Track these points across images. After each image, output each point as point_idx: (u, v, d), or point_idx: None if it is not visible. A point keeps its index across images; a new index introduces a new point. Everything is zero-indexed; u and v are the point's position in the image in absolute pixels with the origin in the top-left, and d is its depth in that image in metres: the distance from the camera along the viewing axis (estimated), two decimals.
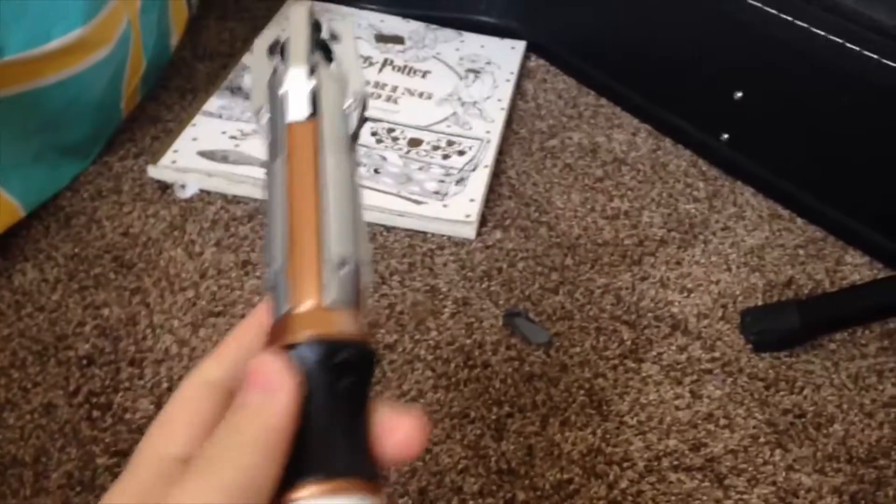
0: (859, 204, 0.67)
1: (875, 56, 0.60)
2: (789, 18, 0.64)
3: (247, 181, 0.66)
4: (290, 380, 0.24)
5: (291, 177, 0.27)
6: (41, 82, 0.59)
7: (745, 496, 0.51)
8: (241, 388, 0.25)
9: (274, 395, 0.24)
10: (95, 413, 0.51)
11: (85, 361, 0.54)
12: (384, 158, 0.70)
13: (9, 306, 0.57)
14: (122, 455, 0.49)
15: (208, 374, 0.27)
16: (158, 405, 0.52)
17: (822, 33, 0.63)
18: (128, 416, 0.51)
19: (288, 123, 0.28)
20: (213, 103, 0.73)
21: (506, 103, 0.78)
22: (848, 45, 0.61)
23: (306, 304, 0.25)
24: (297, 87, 0.29)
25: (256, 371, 0.24)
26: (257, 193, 0.66)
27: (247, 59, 0.28)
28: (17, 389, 0.52)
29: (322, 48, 0.31)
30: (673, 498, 0.50)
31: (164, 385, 0.53)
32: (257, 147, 0.69)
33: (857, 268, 0.66)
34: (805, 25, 0.63)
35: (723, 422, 0.55)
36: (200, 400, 0.27)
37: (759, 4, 0.65)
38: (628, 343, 0.59)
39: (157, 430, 0.26)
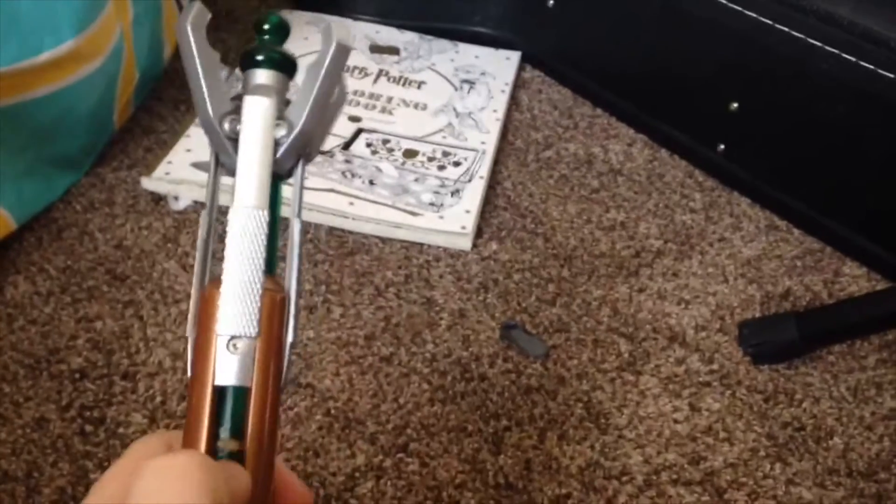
0: (857, 215, 0.66)
1: (871, 66, 0.60)
2: (785, 29, 0.64)
3: None
4: None
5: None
6: (33, 94, 0.58)
7: None
8: None
9: None
10: (88, 427, 0.51)
11: (77, 375, 0.53)
12: (380, 170, 0.69)
13: (1, 319, 0.56)
14: None
15: (176, 444, 0.26)
16: (152, 419, 0.51)
17: (819, 44, 0.63)
18: (121, 430, 0.51)
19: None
20: None
21: (501, 114, 0.78)
22: (844, 55, 0.61)
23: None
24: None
25: None
26: None
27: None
28: (8, 404, 0.51)
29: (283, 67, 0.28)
30: None
31: (158, 399, 0.53)
32: None
33: (855, 279, 0.65)
34: (801, 36, 0.63)
35: (722, 435, 0.54)
36: None
37: (755, 15, 0.65)
38: (626, 355, 0.58)
39: (131, 467, 0.25)
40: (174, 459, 0.23)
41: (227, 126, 0.26)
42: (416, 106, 0.78)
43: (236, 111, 0.26)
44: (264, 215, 0.26)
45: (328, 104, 0.27)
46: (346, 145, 0.72)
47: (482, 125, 0.76)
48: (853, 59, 0.61)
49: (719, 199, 0.72)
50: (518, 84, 0.83)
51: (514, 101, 0.81)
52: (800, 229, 0.69)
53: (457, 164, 0.71)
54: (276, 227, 0.27)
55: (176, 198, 0.66)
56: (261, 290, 0.25)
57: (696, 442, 0.54)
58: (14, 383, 0.52)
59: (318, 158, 0.69)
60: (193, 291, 0.26)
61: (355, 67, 0.81)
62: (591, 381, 0.57)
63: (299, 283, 0.27)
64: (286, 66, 0.27)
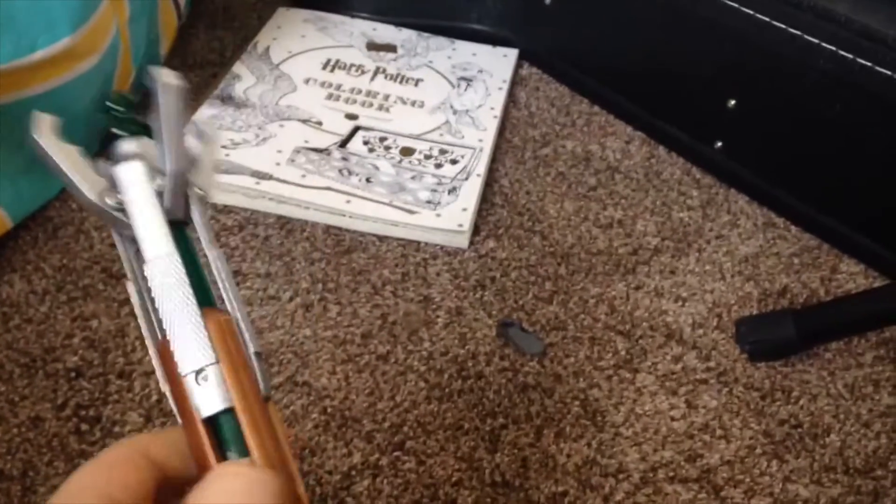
0: (854, 212, 0.66)
1: (868, 63, 0.60)
2: (783, 26, 0.64)
3: (237, 191, 0.65)
4: None
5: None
6: (29, 92, 0.58)
7: None
8: None
9: None
10: (84, 426, 0.51)
11: (73, 374, 0.53)
12: (376, 167, 0.69)
13: None
14: None
15: (152, 451, 0.27)
16: (147, 417, 0.51)
17: (816, 41, 0.62)
18: (116, 429, 0.51)
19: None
20: (204, 113, 0.73)
21: (498, 111, 0.78)
22: (841, 52, 0.61)
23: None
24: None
25: None
26: (247, 203, 0.65)
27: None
28: (3, 402, 0.51)
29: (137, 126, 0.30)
30: None
31: (153, 398, 0.52)
32: (248, 157, 0.68)
33: (853, 276, 0.65)
34: (798, 33, 0.63)
35: (719, 432, 0.54)
36: (143, 470, 0.26)
37: (752, 12, 0.65)
38: (623, 353, 0.58)
39: (102, 473, 0.26)
40: (244, 469, 0.25)
41: (110, 201, 0.28)
42: (413, 103, 0.78)
43: (114, 185, 0.28)
44: (175, 258, 0.27)
45: (184, 139, 0.29)
46: (343, 143, 0.72)
47: (479, 123, 0.76)
48: (850, 56, 0.60)
49: (717, 196, 0.72)
50: (515, 81, 0.83)
51: (511, 99, 0.81)
52: (797, 226, 0.69)
53: (454, 161, 0.71)
54: (196, 265, 0.28)
55: None
56: (201, 321, 0.26)
57: (693, 439, 0.54)
58: (9, 382, 0.52)
59: (315, 156, 0.69)
60: (151, 351, 0.27)
61: (352, 65, 0.81)
62: (588, 378, 0.57)
63: (236, 300, 0.28)
64: (143, 130, 0.30)
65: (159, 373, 0.27)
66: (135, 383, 0.53)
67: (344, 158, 0.70)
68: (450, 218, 0.65)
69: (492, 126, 0.76)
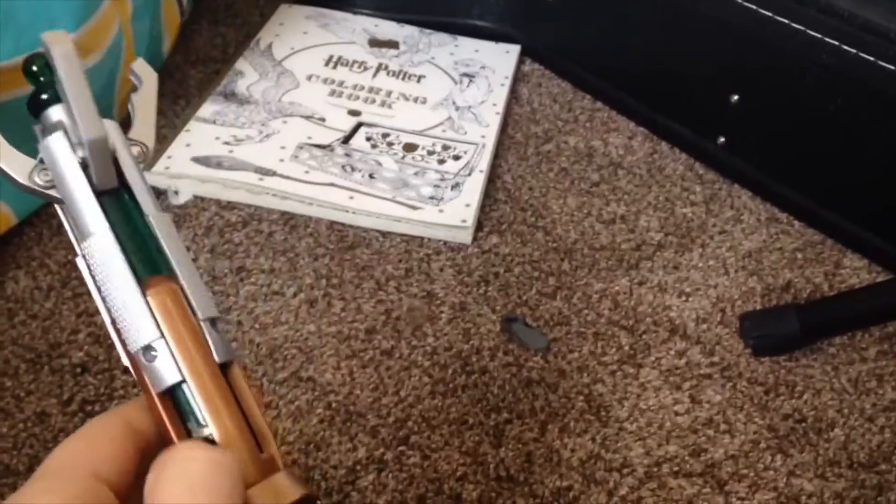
0: (858, 207, 0.66)
1: (871, 58, 0.60)
2: (785, 21, 0.64)
3: (241, 187, 0.65)
4: None
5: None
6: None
7: (746, 502, 0.50)
8: None
9: None
10: None
11: (79, 369, 0.53)
12: (379, 164, 0.69)
13: (1, 314, 0.56)
14: None
15: (131, 418, 0.27)
16: None
17: (818, 35, 0.62)
18: None
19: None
20: (207, 109, 0.73)
21: (501, 107, 0.78)
22: (844, 47, 0.61)
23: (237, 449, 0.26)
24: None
25: None
26: (251, 199, 0.65)
27: None
28: (10, 398, 0.51)
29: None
30: None
31: None
32: (251, 153, 0.69)
33: (856, 271, 0.65)
34: (801, 28, 0.63)
35: (723, 427, 0.54)
36: (126, 439, 0.26)
37: (754, 7, 0.65)
38: (626, 348, 0.58)
39: (88, 450, 0.26)
40: (194, 451, 0.24)
41: (39, 180, 0.27)
42: (415, 100, 0.78)
43: (41, 161, 0.27)
44: (107, 233, 0.26)
45: (91, 103, 0.27)
46: (346, 139, 0.72)
47: (482, 119, 0.76)
48: (853, 50, 0.60)
49: (720, 191, 0.72)
50: (518, 77, 0.83)
51: (513, 95, 0.81)
52: (801, 221, 0.69)
53: (457, 157, 0.71)
54: (139, 233, 0.27)
55: (176, 192, 0.66)
56: (141, 297, 0.26)
57: (697, 434, 0.54)
58: (15, 378, 0.52)
59: (319, 153, 0.69)
60: (107, 326, 0.27)
61: (354, 61, 0.81)
62: (592, 373, 0.57)
63: (185, 265, 0.27)
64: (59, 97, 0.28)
65: (119, 348, 0.27)
66: None
67: (347, 155, 0.70)
68: (453, 214, 0.65)
69: (494, 122, 0.76)
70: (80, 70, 0.27)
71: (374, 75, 0.80)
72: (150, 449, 0.27)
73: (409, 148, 0.72)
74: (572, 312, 0.60)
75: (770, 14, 0.65)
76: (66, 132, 0.27)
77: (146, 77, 0.30)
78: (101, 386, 0.53)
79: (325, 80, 0.78)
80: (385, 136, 0.73)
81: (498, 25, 0.87)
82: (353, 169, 0.68)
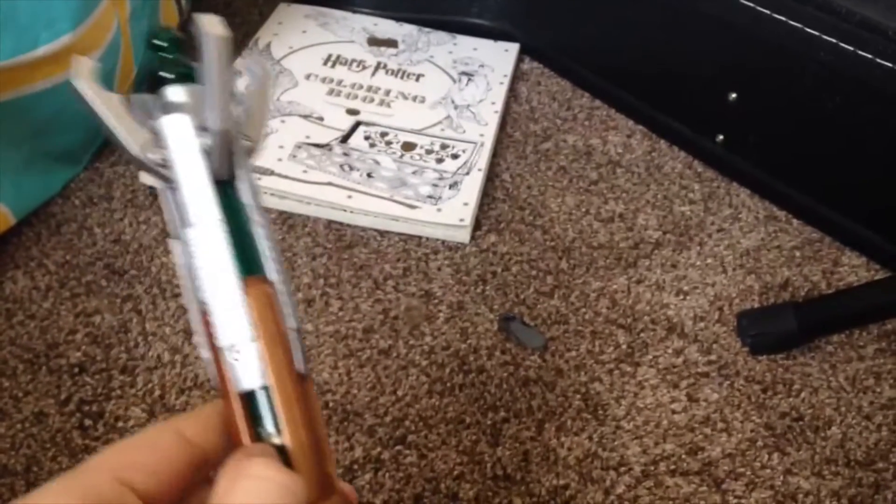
0: (856, 204, 0.66)
1: (869, 55, 0.60)
2: (783, 18, 0.64)
3: None
4: None
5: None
6: (30, 89, 0.58)
7: (743, 500, 0.50)
8: None
9: None
10: (87, 422, 0.51)
11: (76, 370, 0.54)
12: (377, 163, 0.69)
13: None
14: None
15: (185, 429, 0.27)
16: (151, 413, 0.52)
17: (816, 33, 0.62)
18: (120, 424, 0.51)
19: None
20: None
21: (499, 106, 0.78)
22: (842, 44, 0.61)
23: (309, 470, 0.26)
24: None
25: None
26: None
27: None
28: (7, 398, 0.52)
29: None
30: (670, 503, 0.50)
31: (157, 393, 0.53)
32: None
33: (855, 269, 0.65)
34: (799, 25, 0.63)
35: (720, 425, 0.54)
36: (173, 449, 0.26)
37: (752, 5, 0.65)
38: (624, 347, 0.58)
39: (121, 456, 0.26)
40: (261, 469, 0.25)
41: (153, 156, 0.27)
42: (414, 98, 0.78)
43: (158, 138, 0.27)
44: (218, 225, 0.26)
45: (230, 94, 0.27)
46: (345, 138, 0.72)
47: (480, 117, 0.76)
48: (851, 48, 0.60)
49: (718, 189, 0.72)
50: (517, 76, 0.83)
51: (512, 93, 0.81)
52: (799, 219, 0.69)
53: (455, 156, 0.71)
54: (242, 230, 0.27)
55: None
56: (241, 296, 0.26)
57: (694, 432, 0.54)
58: (13, 378, 0.53)
59: (317, 152, 0.69)
60: (193, 315, 0.27)
61: (353, 60, 0.81)
62: (590, 372, 0.57)
63: (280, 272, 0.27)
64: (191, 73, 0.27)
65: (200, 339, 0.26)
66: (138, 378, 0.53)
67: (345, 154, 0.70)
68: (451, 213, 0.65)
69: (493, 121, 0.76)
70: (228, 61, 0.26)
71: (373, 74, 0.80)
72: (206, 463, 0.27)
73: (408, 147, 0.72)
74: (570, 311, 0.60)
75: (768, 12, 0.65)
76: (191, 114, 0.27)
77: (261, 73, 0.29)
78: (99, 386, 0.53)
79: (323, 79, 0.78)
80: (383, 135, 0.73)
81: (497, 23, 0.87)
82: (351, 168, 0.69)
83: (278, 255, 0.27)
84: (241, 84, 0.28)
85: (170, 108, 0.27)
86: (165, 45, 0.28)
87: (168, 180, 0.27)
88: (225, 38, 0.26)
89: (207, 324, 0.26)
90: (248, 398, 0.26)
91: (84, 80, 0.26)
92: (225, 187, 0.27)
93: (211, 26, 0.26)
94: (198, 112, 0.27)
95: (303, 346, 0.27)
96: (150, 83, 0.27)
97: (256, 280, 0.27)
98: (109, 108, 0.26)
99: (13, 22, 0.56)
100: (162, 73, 0.27)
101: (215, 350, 0.26)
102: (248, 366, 0.26)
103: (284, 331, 0.26)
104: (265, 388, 0.26)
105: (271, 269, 0.27)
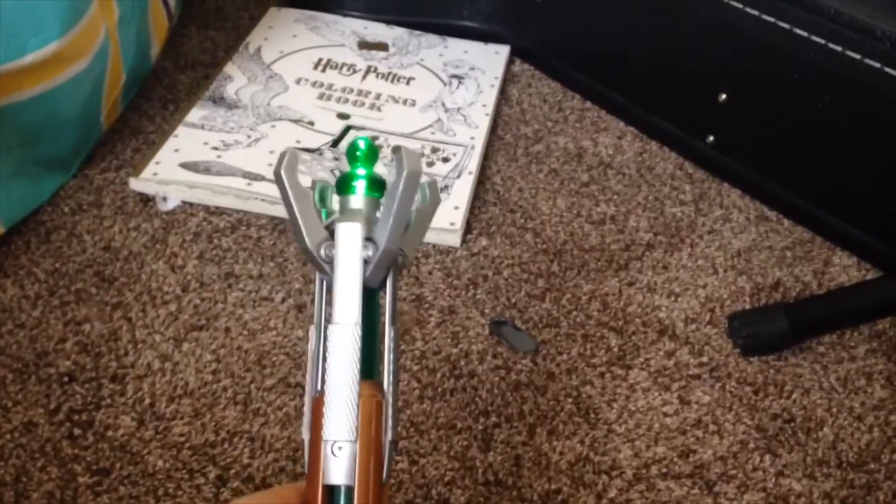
0: (847, 204, 0.66)
1: (858, 56, 0.60)
2: (771, 20, 0.64)
3: (229, 192, 0.65)
4: None
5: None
6: (18, 97, 0.58)
7: (734, 503, 0.50)
8: None
9: None
10: (77, 431, 0.51)
11: (66, 378, 0.53)
12: None
13: None
14: (103, 473, 0.49)
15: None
16: (140, 422, 0.51)
17: (805, 34, 0.62)
18: (109, 433, 0.51)
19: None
20: (195, 114, 0.73)
21: (490, 109, 0.78)
22: (830, 45, 0.61)
23: None
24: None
25: None
26: (239, 204, 0.65)
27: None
28: None
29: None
30: None
31: (147, 401, 0.53)
32: (239, 158, 0.68)
33: (846, 269, 0.65)
34: (787, 26, 0.63)
35: (712, 428, 0.54)
36: None
37: (740, 6, 0.65)
38: (615, 349, 0.58)
39: None
40: None
41: (323, 252, 0.29)
42: (404, 102, 0.78)
43: (330, 236, 0.29)
44: (357, 330, 0.28)
45: (407, 220, 0.30)
46: (335, 143, 0.72)
47: (471, 120, 0.76)
48: (839, 48, 0.60)
49: (709, 190, 0.72)
50: (507, 78, 0.83)
51: (503, 96, 0.81)
52: (790, 220, 0.69)
53: (446, 160, 0.71)
54: (374, 334, 0.30)
55: (164, 198, 0.65)
56: (357, 399, 0.28)
57: (686, 435, 0.54)
58: (2, 387, 0.52)
59: (307, 156, 0.69)
60: (307, 398, 0.29)
61: (343, 64, 0.81)
62: (581, 375, 0.57)
63: (395, 385, 0.30)
64: (378, 189, 0.30)
65: (306, 420, 0.29)
66: (128, 387, 0.53)
67: (336, 158, 0.70)
68: (442, 216, 0.65)
69: (483, 123, 0.76)
70: (414, 194, 0.29)
71: (364, 78, 0.80)
72: None
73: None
74: (561, 314, 0.60)
75: (757, 13, 0.65)
76: (362, 224, 0.29)
77: (433, 198, 0.32)
78: (89, 395, 0.52)
79: (314, 84, 0.78)
80: (374, 139, 0.73)
81: (487, 26, 0.87)
82: (342, 173, 0.68)
83: (398, 366, 0.30)
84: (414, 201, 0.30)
85: (346, 215, 0.30)
86: (360, 154, 0.31)
87: (327, 274, 0.30)
88: (418, 173, 0.29)
89: (318, 411, 0.28)
90: (331, 490, 0.28)
91: (290, 173, 0.29)
92: (371, 294, 0.30)
93: (411, 163, 0.29)
94: (368, 223, 0.29)
95: (392, 457, 0.29)
96: (338, 184, 0.30)
97: (371, 385, 0.29)
98: (300, 203, 0.29)
99: (0, 30, 0.55)
100: (352, 181, 0.30)
101: (317, 439, 0.28)
102: (342, 464, 0.28)
103: (383, 441, 0.29)
104: (349, 488, 0.28)
105: (388, 379, 0.29)
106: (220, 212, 0.65)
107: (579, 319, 0.60)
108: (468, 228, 0.66)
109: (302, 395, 0.54)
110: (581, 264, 0.64)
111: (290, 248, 0.63)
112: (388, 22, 0.88)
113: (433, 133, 0.74)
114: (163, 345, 0.56)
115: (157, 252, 0.62)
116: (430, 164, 0.70)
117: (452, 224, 0.65)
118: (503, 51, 0.85)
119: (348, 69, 0.81)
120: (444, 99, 0.78)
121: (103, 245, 0.62)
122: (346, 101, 0.77)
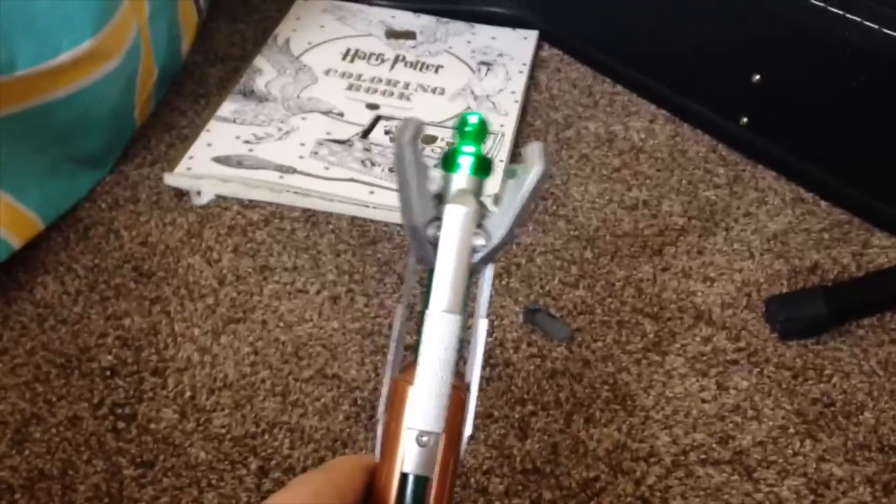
0: (885, 184, 0.65)
1: (893, 33, 0.59)
2: None
3: (262, 186, 0.66)
4: None
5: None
6: (53, 96, 0.59)
7: (775, 489, 0.50)
8: None
9: None
10: (120, 424, 0.52)
11: (108, 373, 0.54)
12: None
13: (31, 320, 0.57)
14: (147, 465, 0.49)
15: (343, 487, 0.27)
16: (182, 414, 0.52)
17: (840, 12, 0.61)
18: (152, 426, 0.52)
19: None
20: (227, 108, 0.73)
21: (519, 95, 0.77)
22: (866, 23, 0.60)
23: None
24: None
25: None
26: (272, 197, 0.66)
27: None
28: (42, 403, 0.52)
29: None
30: (701, 493, 0.50)
31: (188, 394, 0.53)
32: (271, 151, 0.69)
33: (885, 250, 0.64)
34: (822, 5, 0.62)
35: (750, 413, 0.54)
36: (328, 500, 0.27)
37: None
38: (651, 336, 0.58)
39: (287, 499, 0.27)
40: None
41: (430, 232, 0.28)
42: (433, 91, 0.77)
43: (439, 217, 0.28)
44: (458, 320, 0.27)
45: (523, 219, 0.28)
46: (365, 133, 0.72)
47: (501, 107, 0.76)
48: (876, 26, 0.59)
49: (743, 173, 0.71)
50: (536, 64, 0.82)
51: (532, 82, 0.80)
52: (827, 201, 0.68)
53: None
54: (463, 324, 0.29)
55: (198, 193, 0.66)
56: (450, 391, 0.27)
57: (724, 421, 0.53)
58: (46, 383, 0.53)
59: (338, 148, 0.70)
60: (386, 379, 0.28)
61: (371, 53, 0.81)
62: (617, 362, 0.56)
63: (477, 379, 0.28)
64: (485, 170, 0.29)
65: (383, 400, 0.28)
66: (168, 380, 0.54)
67: (366, 149, 0.70)
68: None
69: (513, 110, 0.75)
70: (538, 190, 0.28)
71: (392, 67, 0.80)
72: None
73: (429, 140, 0.72)
74: (595, 301, 0.60)
75: None
76: (474, 209, 0.27)
77: (532, 167, 0.28)
78: (131, 389, 0.53)
79: (342, 74, 0.78)
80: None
81: (515, 11, 0.87)
82: (372, 163, 0.69)
83: (482, 360, 0.29)
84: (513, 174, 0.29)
85: (455, 196, 0.28)
86: (470, 130, 0.29)
87: (427, 255, 0.28)
88: (549, 172, 0.27)
89: (398, 393, 0.27)
90: (404, 480, 0.27)
91: (411, 143, 0.27)
92: (469, 281, 0.28)
93: (546, 160, 0.27)
94: (478, 209, 0.28)
95: (465, 451, 0.29)
96: (444, 160, 0.29)
97: (457, 378, 0.28)
98: (417, 177, 0.27)
99: (34, 30, 0.56)
100: (458, 159, 0.28)
101: (396, 421, 0.27)
102: (425, 455, 0.27)
103: (463, 436, 0.28)
104: (424, 479, 0.27)
105: (474, 372, 0.28)
106: (253, 205, 0.66)
107: (614, 306, 0.60)
108: None
109: (339, 386, 0.54)
110: (614, 250, 0.64)
111: (324, 240, 0.64)
112: (415, 10, 0.87)
113: None
114: (201, 338, 0.56)
115: (193, 246, 0.63)
116: None
117: None
118: (531, 36, 0.85)
119: (376, 59, 0.81)
120: (474, 86, 0.78)
121: (140, 240, 0.63)
122: (375, 91, 0.77)
